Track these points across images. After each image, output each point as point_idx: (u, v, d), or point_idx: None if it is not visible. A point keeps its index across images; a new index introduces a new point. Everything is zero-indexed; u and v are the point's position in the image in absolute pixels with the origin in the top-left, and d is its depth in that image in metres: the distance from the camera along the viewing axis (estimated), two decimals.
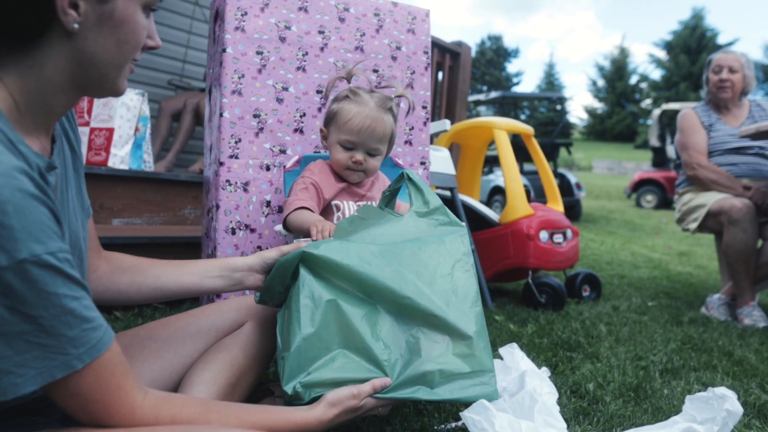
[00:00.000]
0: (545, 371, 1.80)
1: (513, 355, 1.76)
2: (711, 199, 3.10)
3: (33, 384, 0.76)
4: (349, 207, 1.57)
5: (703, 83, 3.48)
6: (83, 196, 1.11)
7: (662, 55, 43.45)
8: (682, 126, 3.38)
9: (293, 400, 1.12)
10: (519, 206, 3.16)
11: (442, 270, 1.30)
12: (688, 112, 3.40)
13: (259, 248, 1.87)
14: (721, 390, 1.53)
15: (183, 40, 4.93)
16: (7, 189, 0.71)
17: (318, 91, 1.95)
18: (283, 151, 1.90)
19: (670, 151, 11.62)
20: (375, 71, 2.06)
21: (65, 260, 0.78)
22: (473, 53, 5.06)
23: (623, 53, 48.02)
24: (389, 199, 1.44)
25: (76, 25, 0.83)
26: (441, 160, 2.95)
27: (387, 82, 1.72)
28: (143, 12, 0.91)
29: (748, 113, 3.32)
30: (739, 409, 1.50)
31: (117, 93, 0.96)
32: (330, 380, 1.13)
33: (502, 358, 1.77)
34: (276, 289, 1.24)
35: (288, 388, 1.12)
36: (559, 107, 21.10)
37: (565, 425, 1.41)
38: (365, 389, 1.14)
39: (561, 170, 9.80)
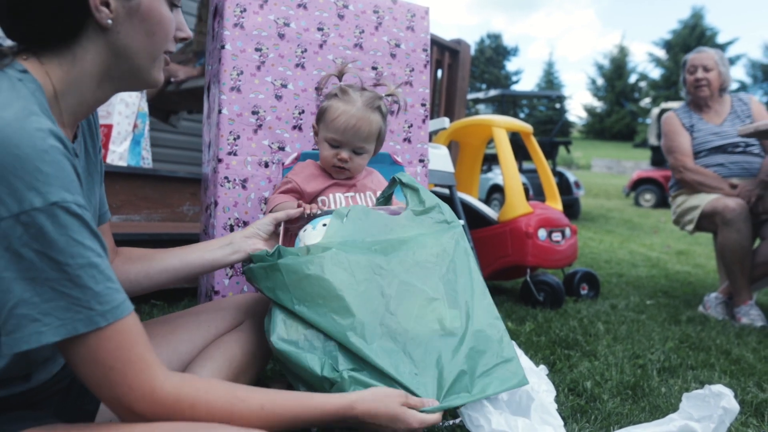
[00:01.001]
0: (543, 369, 1.80)
1: None
2: (704, 200, 3.10)
3: (56, 335, 0.78)
4: (337, 199, 1.57)
5: (680, 85, 3.49)
6: (95, 197, 1.14)
7: (661, 54, 43.47)
8: (665, 130, 3.41)
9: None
10: (518, 204, 3.16)
11: (440, 270, 1.30)
12: (669, 115, 3.43)
13: None
14: (718, 387, 1.53)
15: None
16: (46, 141, 0.78)
17: (317, 89, 1.94)
18: (281, 148, 1.90)
19: None
20: (374, 68, 2.06)
21: (90, 219, 0.82)
22: (472, 51, 5.05)
23: (623, 52, 48.00)
24: (384, 203, 1.45)
25: (109, 21, 0.92)
26: (440, 158, 2.95)
27: (379, 80, 1.72)
28: (168, 5, 0.99)
29: (730, 108, 3.33)
30: (735, 407, 1.50)
31: (155, 84, 1.03)
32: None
33: None
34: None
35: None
36: (558, 106, 21.10)
37: (561, 423, 1.41)
38: (414, 401, 1.10)
39: (560, 169, 9.80)
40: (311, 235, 1.32)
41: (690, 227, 3.21)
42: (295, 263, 1.20)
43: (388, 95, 1.63)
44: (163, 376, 0.88)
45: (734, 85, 4.03)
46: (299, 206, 1.41)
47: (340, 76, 1.65)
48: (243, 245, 1.32)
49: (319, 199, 1.58)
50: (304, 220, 1.39)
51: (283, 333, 1.17)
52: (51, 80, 0.92)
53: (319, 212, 1.39)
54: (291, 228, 1.42)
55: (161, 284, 1.28)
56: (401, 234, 1.32)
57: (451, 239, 1.36)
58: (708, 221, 3.09)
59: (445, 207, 1.41)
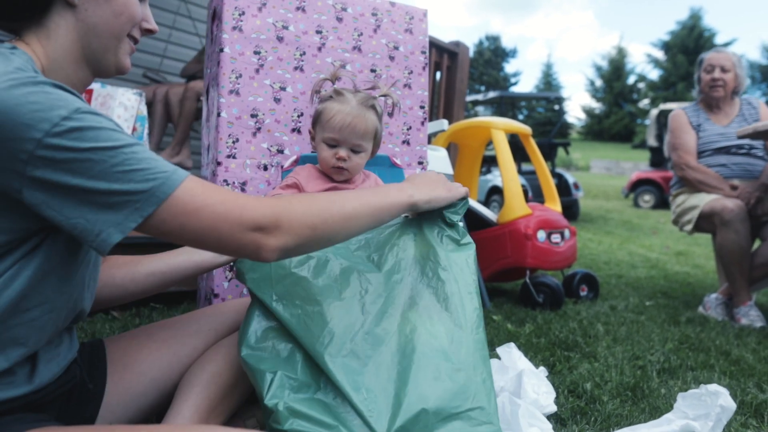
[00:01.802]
0: (543, 371, 1.80)
1: (510, 354, 1.77)
2: (703, 200, 3.10)
3: (152, 204, 0.84)
4: None
5: (695, 82, 3.48)
6: None
7: (660, 55, 43.53)
8: (672, 127, 3.39)
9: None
10: (517, 206, 3.16)
11: (435, 295, 1.24)
12: (678, 112, 3.41)
13: None
14: (714, 386, 1.54)
15: (164, 36, 4.93)
16: (49, 79, 0.84)
17: (313, 92, 1.95)
18: (280, 151, 1.90)
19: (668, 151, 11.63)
20: (372, 71, 2.06)
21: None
22: (471, 53, 5.05)
23: (621, 53, 48.07)
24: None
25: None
26: (439, 160, 2.95)
27: (372, 83, 1.73)
28: None
29: (738, 111, 3.33)
30: (732, 405, 1.51)
31: (122, 69, 1.06)
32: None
33: (499, 358, 1.77)
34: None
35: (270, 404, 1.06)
36: (556, 107, 21.11)
37: (550, 426, 1.42)
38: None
39: (559, 170, 9.80)
40: None
41: (689, 227, 3.21)
42: (285, 260, 1.17)
43: (383, 95, 1.64)
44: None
45: None
46: None
47: (333, 80, 1.66)
48: None
49: None
50: None
51: (252, 342, 1.15)
52: (38, 57, 0.96)
53: None
54: None
55: (149, 289, 1.28)
56: (405, 253, 1.28)
57: (460, 259, 1.29)
58: (706, 222, 3.10)
59: (461, 228, 1.35)
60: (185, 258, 1.30)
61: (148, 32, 1.09)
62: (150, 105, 4.39)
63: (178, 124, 4.13)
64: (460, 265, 1.28)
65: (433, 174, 1.33)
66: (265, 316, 1.18)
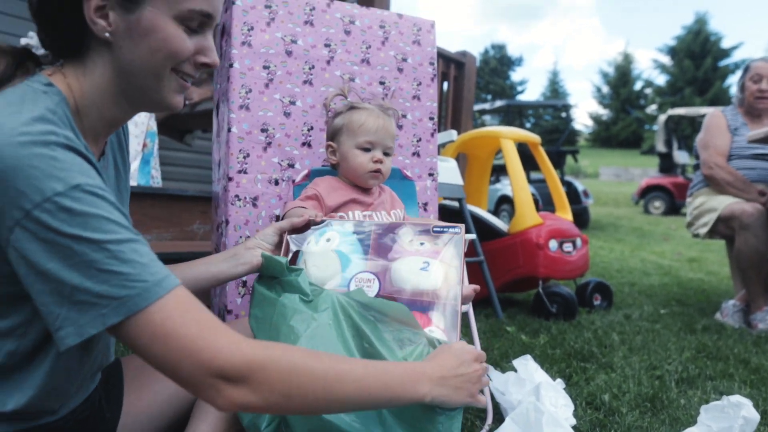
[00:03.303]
0: (560, 383, 1.78)
1: (527, 367, 1.75)
2: (723, 203, 3.07)
3: (118, 314, 0.76)
4: (355, 216, 1.56)
5: (737, 88, 3.42)
6: (125, 207, 1.16)
7: (666, 60, 43.43)
8: (708, 125, 3.34)
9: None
10: (528, 216, 3.14)
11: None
12: (717, 113, 3.37)
13: None
14: (736, 398, 1.51)
15: None
16: (59, 140, 0.79)
17: (325, 105, 1.94)
18: (291, 165, 1.90)
19: (677, 156, 11.58)
20: (381, 83, 2.05)
21: (117, 202, 0.82)
22: (477, 62, 5.05)
23: (627, 59, 48.03)
24: None
25: (107, 34, 0.90)
26: (448, 171, 2.94)
27: (371, 98, 1.74)
28: (177, 24, 0.92)
29: None
30: (755, 416, 1.48)
31: (170, 107, 0.99)
32: None
33: (516, 371, 1.75)
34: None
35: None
36: (564, 115, 21.09)
37: None
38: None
39: (568, 178, 9.77)
40: (314, 251, 1.29)
41: (704, 230, 3.17)
42: (288, 306, 1.10)
43: (388, 109, 1.65)
44: (239, 334, 0.83)
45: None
46: (303, 215, 1.38)
47: (344, 94, 1.67)
48: (248, 256, 1.29)
49: (338, 215, 1.57)
50: (308, 228, 1.36)
51: None
52: (72, 93, 0.92)
53: (322, 220, 1.36)
54: (296, 236, 1.37)
55: None
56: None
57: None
58: (724, 225, 3.06)
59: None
60: (203, 269, 1.27)
61: (205, 66, 0.99)
62: None
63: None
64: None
65: (470, 370, 1.03)
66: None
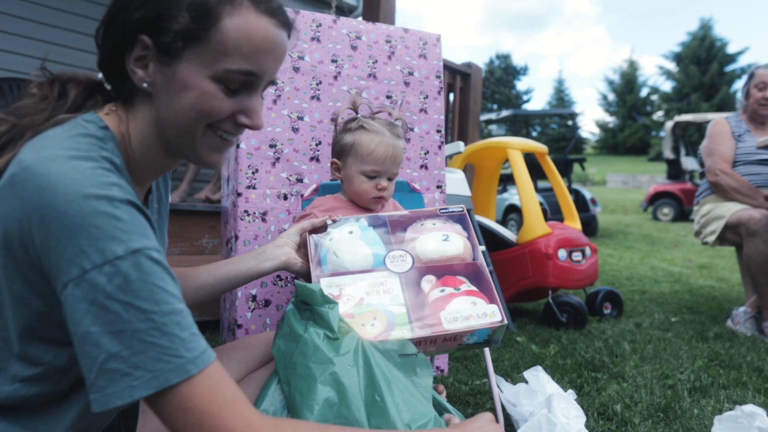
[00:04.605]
0: (571, 394, 1.77)
1: (538, 378, 1.74)
2: (730, 210, 3.06)
3: (148, 388, 0.75)
4: None
5: (741, 94, 3.42)
6: (165, 239, 1.17)
7: (672, 66, 43.37)
8: (712, 132, 3.34)
9: None
10: (536, 225, 3.14)
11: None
12: (721, 120, 3.37)
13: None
14: (750, 407, 1.50)
15: None
16: (122, 193, 0.79)
17: (333, 120, 1.96)
18: (300, 180, 1.91)
19: (685, 163, 11.53)
20: (388, 97, 2.07)
21: (168, 265, 0.81)
22: (482, 73, 5.07)
23: (632, 66, 48.00)
24: None
25: (145, 84, 0.89)
26: (456, 182, 2.95)
27: (380, 107, 1.73)
28: (215, 83, 0.89)
29: None
30: None
31: (208, 164, 0.98)
32: None
33: (527, 382, 1.75)
34: None
35: None
36: (570, 123, 21.07)
37: None
38: None
39: (575, 186, 9.74)
40: (341, 240, 1.34)
41: (712, 238, 3.16)
42: (309, 345, 1.12)
43: (397, 120, 1.64)
44: (255, 412, 0.84)
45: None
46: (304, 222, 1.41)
47: (355, 108, 1.66)
48: (276, 253, 1.32)
49: None
50: (326, 229, 1.39)
51: (267, 405, 1.12)
52: (126, 137, 0.93)
53: (339, 219, 1.41)
54: (317, 235, 1.41)
55: (197, 301, 1.29)
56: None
57: None
58: (732, 233, 3.05)
59: None
60: (232, 268, 1.30)
61: (246, 127, 0.97)
62: None
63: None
64: None
65: None
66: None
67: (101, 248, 0.74)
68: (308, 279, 1.37)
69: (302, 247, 1.38)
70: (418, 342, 1.18)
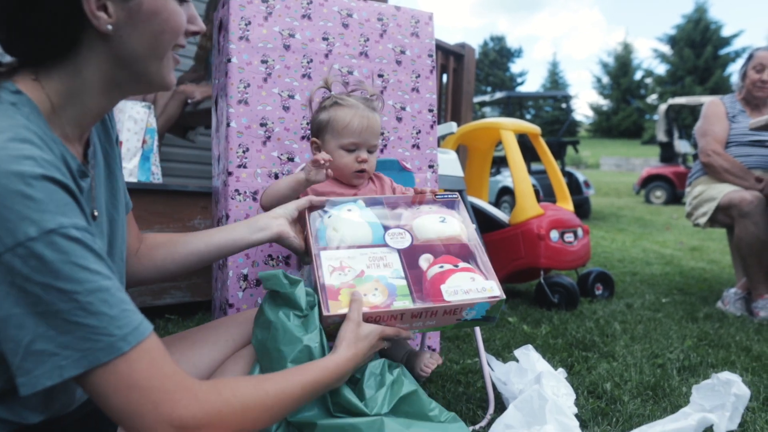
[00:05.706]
0: (561, 372, 1.79)
1: (528, 357, 1.76)
2: (721, 192, 3.07)
3: (77, 367, 0.74)
4: None
5: (738, 75, 3.41)
6: (119, 193, 1.12)
7: (666, 49, 43.21)
8: (707, 113, 3.34)
9: None
10: (528, 206, 3.15)
11: None
12: (716, 100, 3.37)
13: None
14: (725, 375, 1.53)
15: None
16: (37, 167, 0.74)
17: (310, 102, 1.95)
18: (291, 159, 1.90)
19: (678, 146, 11.56)
20: (380, 76, 2.05)
21: (93, 241, 0.79)
22: (476, 54, 5.04)
23: (627, 49, 47.84)
24: None
25: (109, 27, 0.87)
26: (449, 163, 2.94)
27: (356, 85, 1.72)
28: (173, 0, 0.92)
29: None
30: (746, 392, 1.50)
31: (167, 86, 0.98)
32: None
33: (517, 361, 1.76)
34: None
35: None
36: (564, 105, 21.04)
37: (577, 423, 1.40)
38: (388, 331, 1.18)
39: (569, 168, 9.75)
40: (342, 217, 1.35)
41: (703, 219, 3.18)
42: (279, 329, 1.17)
43: (372, 96, 1.63)
44: (196, 381, 0.85)
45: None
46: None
47: (328, 87, 1.65)
48: (270, 224, 1.32)
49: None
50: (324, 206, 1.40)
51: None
52: (48, 96, 0.88)
53: (339, 199, 1.42)
54: (315, 212, 1.41)
55: (188, 268, 1.28)
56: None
57: None
58: (724, 214, 3.07)
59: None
60: (223, 236, 1.30)
61: (194, 34, 0.99)
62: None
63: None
64: None
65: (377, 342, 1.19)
66: None
67: (11, 230, 0.71)
68: (301, 254, 1.38)
69: (297, 223, 1.38)
70: (418, 314, 1.20)
